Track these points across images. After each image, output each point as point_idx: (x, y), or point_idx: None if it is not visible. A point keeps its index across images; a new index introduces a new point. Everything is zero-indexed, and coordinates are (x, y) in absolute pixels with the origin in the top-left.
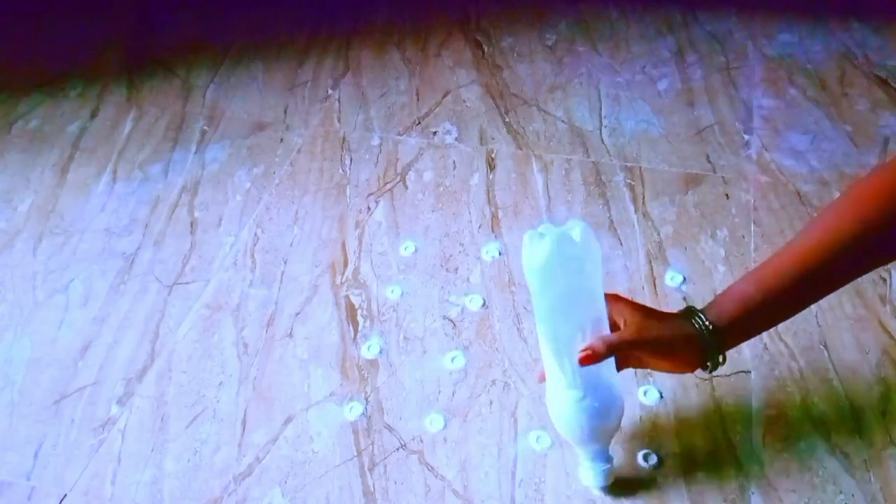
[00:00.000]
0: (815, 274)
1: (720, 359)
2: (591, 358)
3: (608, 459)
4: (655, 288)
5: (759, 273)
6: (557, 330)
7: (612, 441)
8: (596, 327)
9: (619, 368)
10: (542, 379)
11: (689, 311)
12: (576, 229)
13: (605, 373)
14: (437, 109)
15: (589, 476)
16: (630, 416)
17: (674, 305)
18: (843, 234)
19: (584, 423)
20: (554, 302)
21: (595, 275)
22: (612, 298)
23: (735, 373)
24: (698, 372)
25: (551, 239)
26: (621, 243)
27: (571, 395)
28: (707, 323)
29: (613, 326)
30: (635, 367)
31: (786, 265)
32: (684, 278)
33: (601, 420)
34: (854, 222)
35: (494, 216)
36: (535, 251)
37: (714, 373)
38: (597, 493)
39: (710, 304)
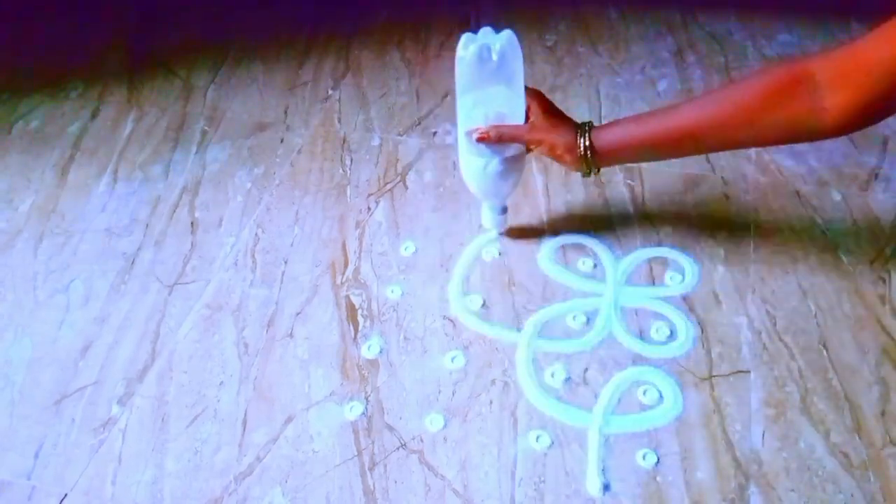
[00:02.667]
0: (689, 136)
1: (592, 171)
2: (483, 139)
3: (504, 210)
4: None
5: (648, 118)
6: (467, 112)
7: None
8: (499, 118)
9: (528, 150)
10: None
11: (583, 126)
12: (496, 45)
13: (508, 147)
14: (438, 110)
15: (488, 220)
16: (629, 416)
17: (674, 305)
18: (723, 112)
19: (480, 182)
20: (469, 92)
21: (512, 79)
22: (531, 94)
23: (734, 372)
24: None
25: (475, 48)
26: (621, 243)
27: (475, 161)
28: (588, 142)
29: (528, 119)
30: (537, 150)
31: (669, 120)
32: (683, 279)
33: (499, 181)
34: (735, 106)
35: None
36: (461, 53)
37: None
38: (596, 494)
39: (602, 127)
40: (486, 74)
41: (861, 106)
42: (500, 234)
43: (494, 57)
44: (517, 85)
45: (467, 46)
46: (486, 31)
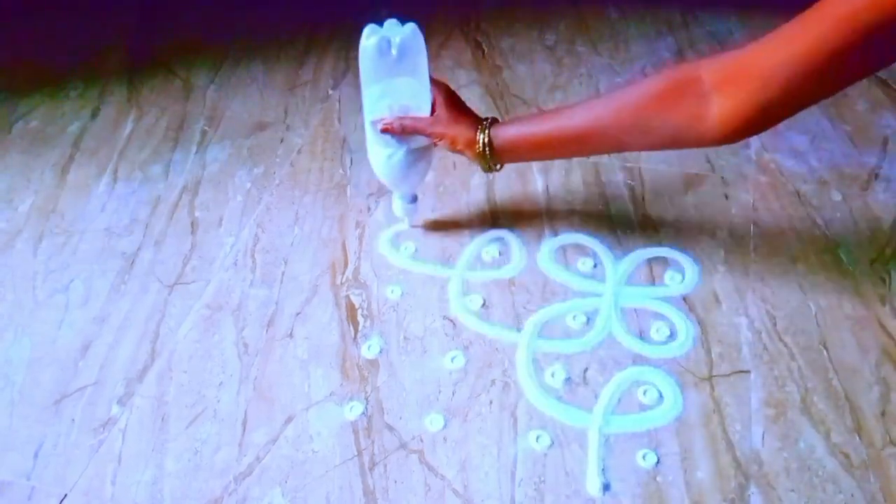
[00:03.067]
0: (581, 137)
1: (493, 166)
2: (386, 130)
3: (414, 199)
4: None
5: (545, 117)
6: (372, 104)
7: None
8: (403, 110)
9: (434, 142)
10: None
11: (483, 122)
12: (396, 38)
13: (413, 139)
14: None
15: (399, 210)
16: (629, 416)
17: (674, 305)
18: (613, 115)
19: (387, 172)
20: (372, 83)
21: (416, 72)
22: (438, 86)
23: (734, 372)
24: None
25: (375, 40)
26: (621, 243)
27: (381, 151)
28: (487, 139)
29: (432, 109)
30: (439, 143)
31: (563, 120)
32: (683, 279)
33: (402, 172)
34: (624, 110)
35: (494, 216)
36: (363, 44)
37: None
38: (596, 494)
39: (502, 123)
40: (388, 66)
41: (747, 113)
42: (412, 225)
43: (394, 51)
44: (422, 77)
45: (369, 38)
46: (390, 24)
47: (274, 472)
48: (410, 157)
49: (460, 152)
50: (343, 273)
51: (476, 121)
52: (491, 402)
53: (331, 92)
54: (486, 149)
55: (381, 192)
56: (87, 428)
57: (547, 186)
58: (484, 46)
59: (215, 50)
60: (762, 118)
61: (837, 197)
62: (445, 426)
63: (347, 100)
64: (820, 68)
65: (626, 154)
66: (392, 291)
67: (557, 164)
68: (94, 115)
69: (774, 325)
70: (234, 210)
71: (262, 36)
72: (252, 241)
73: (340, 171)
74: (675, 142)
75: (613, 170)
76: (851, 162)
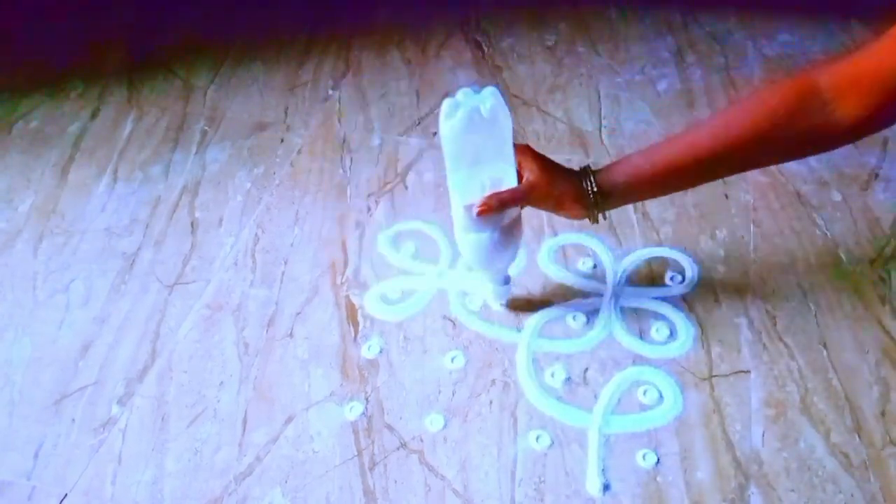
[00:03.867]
0: (700, 164)
1: (601, 216)
2: (485, 211)
3: (506, 281)
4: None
5: (654, 151)
6: (463, 186)
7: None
8: (496, 185)
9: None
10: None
11: (585, 172)
12: (486, 103)
13: (505, 214)
14: (438, 110)
15: (494, 294)
16: (629, 416)
17: (674, 305)
18: (734, 135)
19: (483, 256)
20: (462, 163)
21: (503, 139)
22: (521, 150)
23: (734, 372)
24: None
25: (464, 112)
26: (620, 243)
27: (475, 235)
28: (594, 186)
29: (521, 176)
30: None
31: (678, 150)
32: (683, 279)
33: (498, 253)
34: (746, 128)
35: None
36: (449, 122)
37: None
38: (596, 494)
39: (605, 168)
40: (478, 140)
41: (873, 114)
42: (503, 305)
43: (486, 115)
44: (508, 145)
45: (453, 114)
46: (467, 93)
47: (274, 472)
48: (505, 234)
49: (567, 210)
50: (343, 273)
51: (574, 173)
52: (491, 402)
53: (331, 92)
54: (596, 197)
55: (381, 191)
56: (88, 428)
57: None
58: (484, 47)
59: (215, 50)
60: (885, 118)
61: (837, 197)
62: (445, 426)
63: (347, 100)
64: None
65: (626, 153)
66: (392, 291)
67: None
68: (94, 115)
69: (774, 324)
70: (234, 210)
71: (262, 36)
72: (252, 242)
73: (340, 171)
74: (805, 150)
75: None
76: (851, 162)
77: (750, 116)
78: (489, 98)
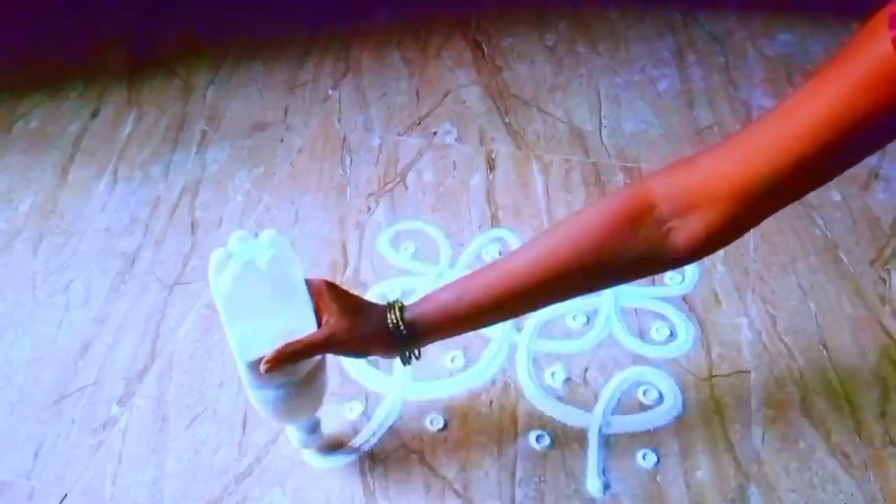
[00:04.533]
0: (520, 294)
1: (413, 354)
2: (274, 367)
3: (313, 429)
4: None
5: (465, 283)
6: (245, 340)
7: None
8: (290, 335)
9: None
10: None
11: (391, 307)
12: (264, 255)
13: (304, 362)
14: (438, 110)
15: (298, 441)
16: (629, 416)
17: (674, 305)
18: (555, 259)
19: (279, 412)
20: (240, 317)
21: (291, 285)
22: (317, 292)
23: (735, 373)
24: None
25: (235, 267)
26: None
27: (268, 392)
28: (401, 324)
29: (319, 318)
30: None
31: (492, 282)
32: (683, 278)
33: (297, 406)
34: (567, 249)
35: (494, 216)
36: (218, 278)
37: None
38: (596, 494)
39: (414, 305)
40: (257, 293)
41: (715, 233)
42: (316, 450)
43: (264, 266)
44: (300, 290)
45: (222, 268)
46: (242, 238)
47: (274, 473)
48: (303, 385)
49: (374, 353)
50: (343, 273)
51: (377, 310)
52: (491, 403)
53: (331, 92)
54: (404, 336)
55: (381, 191)
56: (87, 428)
57: (547, 186)
58: (484, 46)
59: (215, 50)
60: (731, 234)
61: (837, 197)
62: (445, 426)
63: (347, 100)
64: (790, 183)
65: (626, 154)
66: (392, 292)
67: (557, 165)
68: (93, 115)
69: (774, 325)
70: (234, 210)
71: (262, 36)
72: None
73: (340, 171)
74: (637, 273)
75: (613, 170)
76: None
77: (572, 239)
78: (266, 248)
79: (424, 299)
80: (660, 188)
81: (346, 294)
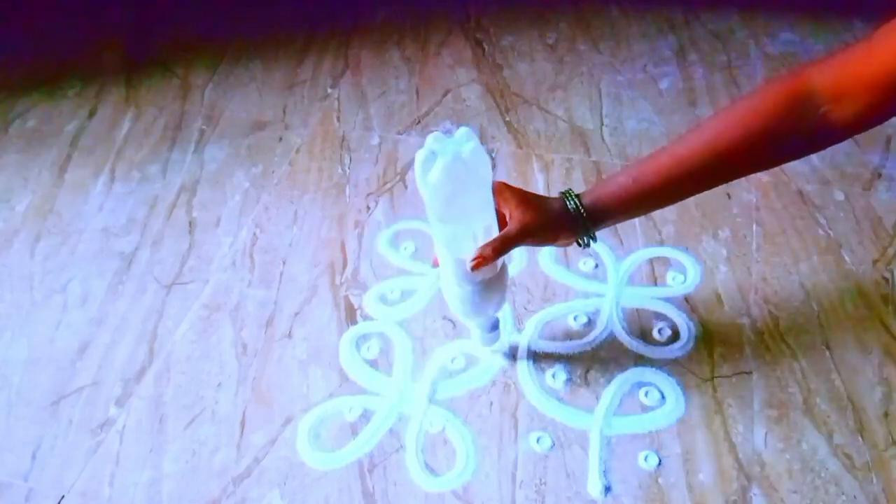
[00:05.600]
0: (691, 175)
1: (592, 238)
2: (482, 264)
3: (494, 326)
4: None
5: (639, 167)
6: (452, 240)
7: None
8: (487, 233)
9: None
10: (436, 264)
11: (567, 195)
12: (466, 147)
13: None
14: (438, 108)
15: (482, 339)
16: (630, 417)
17: (676, 306)
18: (725, 142)
19: (471, 307)
20: (447, 213)
21: (485, 184)
22: (497, 189)
23: (737, 373)
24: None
25: (444, 161)
26: (622, 243)
27: (462, 289)
28: (582, 209)
29: (500, 217)
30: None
31: (665, 164)
32: (685, 279)
33: (486, 301)
34: (736, 132)
35: None
36: (428, 171)
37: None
38: (597, 496)
39: (590, 191)
40: (462, 188)
41: (871, 114)
42: (494, 347)
43: (467, 158)
44: (489, 188)
45: (430, 165)
46: (439, 138)
47: (272, 474)
48: (492, 281)
49: (556, 239)
50: (342, 273)
51: (554, 199)
52: (491, 404)
53: (329, 91)
54: (584, 219)
55: (381, 191)
56: (85, 429)
57: (547, 186)
58: (484, 45)
59: (213, 49)
60: (881, 116)
61: (840, 196)
62: (445, 427)
63: (346, 98)
64: None
65: (628, 153)
66: (392, 292)
67: (558, 164)
68: (91, 114)
69: (777, 325)
70: (233, 210)
71: (261, 35)
72: (250, 241)
73: (339, 170)
74: (798, 154)
75: (614, 169)
76: (854, 161)
77: (740, 124)
78: (467, 140)
79: (599, 184)
80: (815, 75)
81: (521, 190)
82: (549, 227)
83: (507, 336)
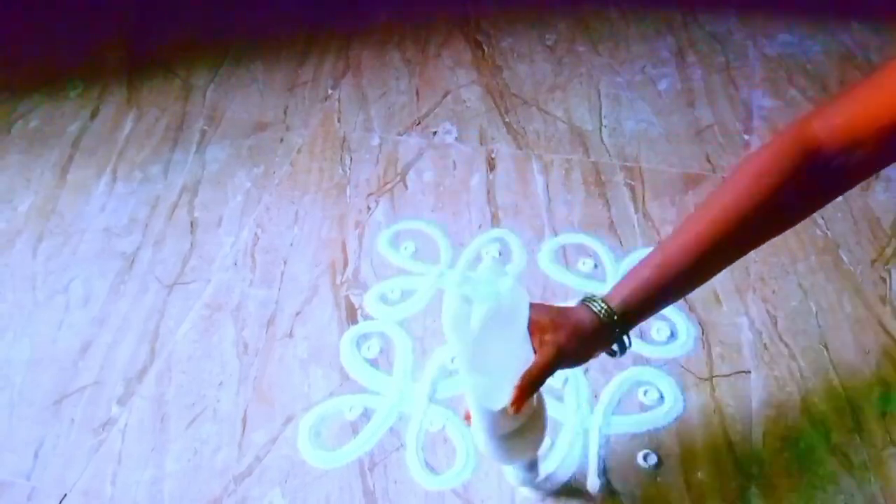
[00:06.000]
0: (710, 255)
1: (627, 341)
2: (521, 401)
3: (532, 467)
4: None
5: (657, 258)
6: (484, 389)
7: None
8: (526, 364)
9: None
10: (468, 418)
11: (588, 301)
12: (504, 288)
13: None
14: (437, 109)
15: (522, 480)
16: (630, 416)
17: (675, 306)
18: (737, 212)
19: (509, 454)
20: (483, 365)
21: (523, 325)
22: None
23: (735, 373)
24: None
25: (482, 309)
26: (621, 243)
27: (497, 441)
28: (614, 315)
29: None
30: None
31: (682, 249)
32: None
33: (526, 444)
34: (746, 199)
35: (495, 216)
36: (461, 321)
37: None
38: (596, 494)
39: (613, 294)
40: (499, 334)
41: (884, 158)
42: (533, 488)
43: (506, 307)
44: (525, 327)
45: (462, 314)
46: (467, 280)
47: (274, 473)
48: (534, 415)
49: (594, 353)
50: (343, 273)
51: (574, 308)
52: None
53: (330, 92)
54: (613, 317)
55: (381, 191)
56: (87, 428)
57: (547, 186)
58: (484, 46)
59: (215, 50)
60: (891, 160)
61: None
62: (445, 426)
63: (347, 99)
64: None
65: (626, 153)
66: (392, 291)
67: (557, 164)
68: (93, 115)
69: (775, 325)
70: (234, 210)
71: (262, 36)
72: (252, 241)
73: (340, 170)
74: (814, 208)
75: (614, 170)
76: None
77: (745, 186)
78: (499, 277)
79: (623, 284)
80: (821, 127)
81: (546, 306)
82: (585, 343)
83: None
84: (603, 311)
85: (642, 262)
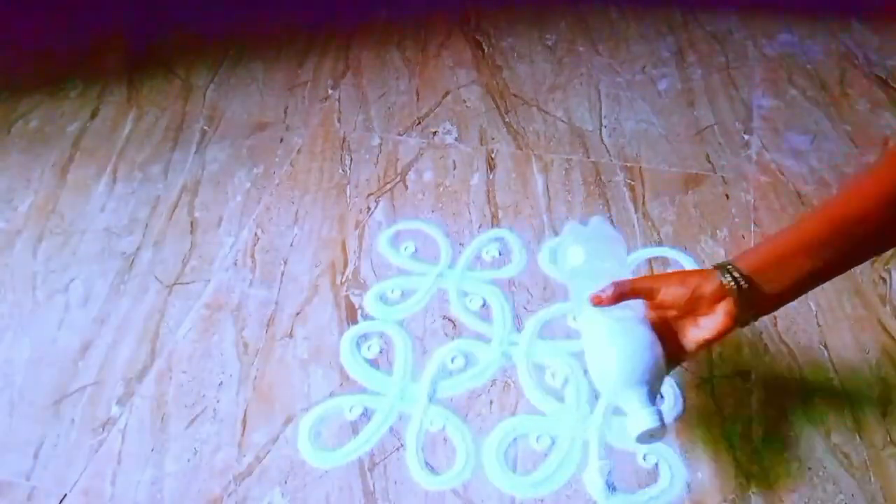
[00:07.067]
0: (871, 222)
1: (750, 313)
2: (601, 301)
3: (652, 401)
4: None
5: (795, 224)
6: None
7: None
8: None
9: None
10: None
11: (718, 266)
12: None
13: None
14: (437, 109)
15: (634, 427)
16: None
17: None
18: (885, 196)
19: (628, 367)
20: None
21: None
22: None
23: (735, 373)
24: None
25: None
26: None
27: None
28: (734, 269)
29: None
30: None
31: (840, 210)
32: None
33: (641, 360)
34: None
35: (494, 216)
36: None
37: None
38: (596, 495)
39: (741, 255)
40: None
41: None
42: (651, 436)
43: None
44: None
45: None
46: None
47: (274, 473)
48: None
49: (702, 314)
50: (343, 273)
51: (703, 270)
52: (491, 403)
53: (330, 92)
54: (742, 290)
55: (381, 191)
56: (87, 428)
57: (547, 186)
58: (484, 46)
59: (215, 50)
60: None
61: None
62: (445, 426)
63: (347, 99)
64: None
65: (626, 153)
66: (392, 291)
67: (557, 164)
68: (93, 114)
69: (775, 325)
70: (234, 210)
71: (262, 35)
72: (252, 241)
73: (340, 170)
74: None
75: (613, 170)
76: (852, 162)
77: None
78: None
79: (749, 249)
80: None
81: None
82: (693, 296)
83: (507, 335)
84: (729, 277)
85: (786, 230)
